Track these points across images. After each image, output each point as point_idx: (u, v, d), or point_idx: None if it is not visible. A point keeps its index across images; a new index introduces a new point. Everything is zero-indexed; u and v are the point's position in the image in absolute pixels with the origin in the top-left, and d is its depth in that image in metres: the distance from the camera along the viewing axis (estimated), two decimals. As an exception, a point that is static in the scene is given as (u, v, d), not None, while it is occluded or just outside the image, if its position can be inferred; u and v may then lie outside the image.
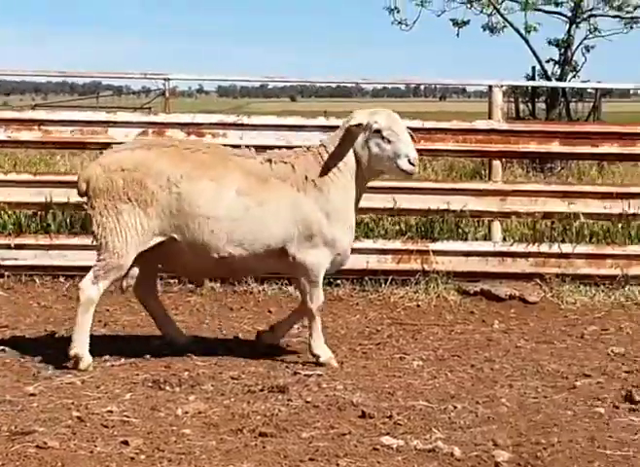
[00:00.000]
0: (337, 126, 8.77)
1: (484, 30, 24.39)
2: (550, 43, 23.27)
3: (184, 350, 6.58)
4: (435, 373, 6.30)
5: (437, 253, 8.69)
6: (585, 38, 23.83)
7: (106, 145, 7.81)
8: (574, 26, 23.11)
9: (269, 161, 6.39)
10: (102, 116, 9.06)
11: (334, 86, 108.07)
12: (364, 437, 5.05)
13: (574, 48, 23.20)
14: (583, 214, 8.88)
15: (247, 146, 6.82)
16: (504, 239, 9.02)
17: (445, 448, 4.89)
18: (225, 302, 8.40)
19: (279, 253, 6.33)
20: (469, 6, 23.46)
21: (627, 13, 23.43)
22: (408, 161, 6.22)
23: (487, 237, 9.04)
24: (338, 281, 8.60)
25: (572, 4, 23.00)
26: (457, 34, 24.71)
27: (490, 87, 9.01)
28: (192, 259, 6.31)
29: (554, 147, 8.96)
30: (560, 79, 22.15)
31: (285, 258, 6.34)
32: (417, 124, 8.83)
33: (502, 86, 9.10)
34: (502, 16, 23.38)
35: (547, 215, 8.93)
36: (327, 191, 6.32)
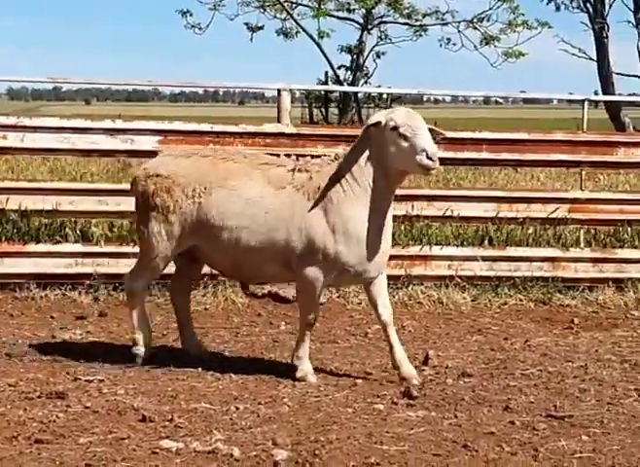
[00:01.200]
0: (125, 130, 8.80)
1: (279, 35, 24.65)
2: (342, 49, 23.74)
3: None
4: (219, 375, 6.31)
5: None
6: (376, 44, 24.45)
7: None
8: (365, 33, 23.64)
9: (294, 169, 6.32)
10: None
11: (130, 89, 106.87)
12: (143, 441, 5.02)
13: (365, 54, 23.73)
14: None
15: (289, 155, 7.17)
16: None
17: (225, 448, 4.91)
18: (5, 308, 8.17)
19: (286, 262, 6.26)
20: (262, 10, 23.62)
21: (417, 21, 24.15)
22: (427, 156, 5.92)
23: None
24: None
25: (364, 11, 23.51)
26: (251, 39, 24.88)
27: (279, 90, 9.08)
28: (214, 264, 6.62)
29: (341, 151, 9.08)
30: (352, 84, 22.60)
31: (290, 267, 6.28)
32: (206, 127, 8.85)
33: (290, 89, 9.17)
34: (295, 21, 23.67)
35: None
36: (337, 201, 6.13)
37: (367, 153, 6.15)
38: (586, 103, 9.55)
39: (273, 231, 6.17)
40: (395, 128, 5.99)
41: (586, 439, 5.27)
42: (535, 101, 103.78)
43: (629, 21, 30.89)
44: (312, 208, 6.13)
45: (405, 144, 5.96)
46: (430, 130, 6.05)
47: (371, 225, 6.12)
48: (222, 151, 6.86)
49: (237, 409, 5.59)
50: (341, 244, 6.08)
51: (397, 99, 24.06)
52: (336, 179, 6.16)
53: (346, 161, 6.21)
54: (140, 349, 6.55)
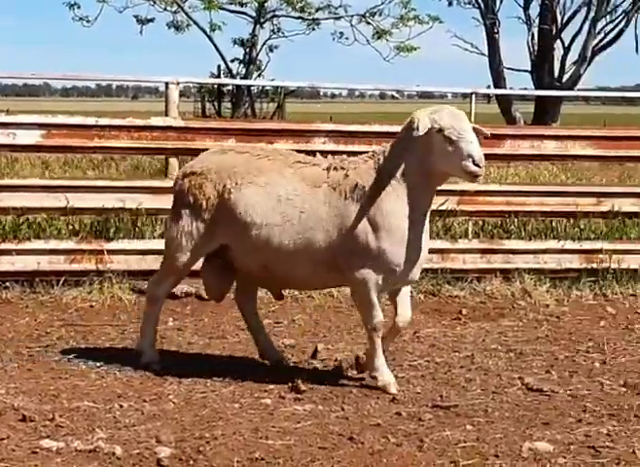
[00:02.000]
0: (7, 124, 8.59)
1: (169, 28, 24.39)
2: (235, 42, 23.63)
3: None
4: (104, 373, 6.21)
5: (112, 252, 8.55)
6: (269, 38, 24.40)
7: None
8: (258, 26, 23.57)
9: (330, 168, 6.05)
10: None
11: (20, 84, 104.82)
12: (23, 441, 4.93)
13: (258, 47, 23.68)
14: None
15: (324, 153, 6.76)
16: (182, 237, 8.99)
17: (107, 447, 4.84)
18: None
19: (328, 266, 5.96)
20: (152, 3, 23.35)
21: (309, 14, 24.17)
22: (473, 161, 5.59)
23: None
24: (7, 284, 8.29)
25: (256, 4, 23.44)
26: (140, 32, 24.59)
27: (167, 83, 8.96)
28: (243, 267, 6.24)
29: (231, 144, 9.02)
30: (245, 78, 22.49)
31: (337, 272, 5.98)
32: (91, 121, 8.70)
33: (178, 83, 9.05)
34: (187, 14, 23.44)
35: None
36: (377, 198, 5.84)
37: (408, 153, 5.82)
38: (473, 96, 9.63)
39: (309, 231, 5.91)
40: (440, 131, 5.66)
41: (471, 428, 5.32)
42: (430, 96, 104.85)
43: (519, 17, 31.43)
44: (351, 207, 5.86)
45: (450, 148, 5.64)
46: (473, 130, 5.76)
47: (412, 223, 5.85)
48: (260, 148, 6.62)
49: (121, 407, 5.51)
50: (385, 241, 5.80)
51: (291, 93, 24.15)
52: (374, 176, 5.89)
53: (386, 159, 5.91)
54: (150, 356, 6.36)
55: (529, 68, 31.39)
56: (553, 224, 9.77)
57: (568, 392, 6.01)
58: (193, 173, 6.24)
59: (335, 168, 6.03)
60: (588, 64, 30.82)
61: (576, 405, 5.79)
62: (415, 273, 6.01)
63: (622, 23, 31.31)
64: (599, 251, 9.21)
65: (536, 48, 31.10)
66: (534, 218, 9.59)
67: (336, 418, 5.45)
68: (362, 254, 5.82)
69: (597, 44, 31.29)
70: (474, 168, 5.60)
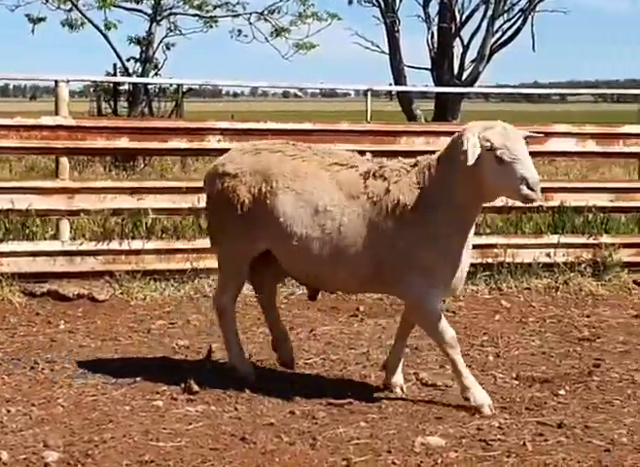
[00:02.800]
0: None
1: (64, 26, 23.92)
2: (131, 40, 23.28)
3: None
4: (-9, 378, 6.05)
5: (1, 255, 8.35)
6: (165, 36, 24.10)
7: None
8: (155, 24, 23.28)
9: (368, 174, 5.68)
10: None
11: None
12: None
13: (155, 45, 23.38)
14: (152, 210, 8.91)
15: (362, 152, 6.40)
16: (73, 238, 8.85)
17: (-7, 453, 4.71)
18: None
19: (373, 279, 5.67)
20: (45, 1, 22.88)
21: (207, 12, 23.97)
22: (527, 185, 5.18)
23: (56, 237, 8.82)
24: None
25: (152, 2, 23.16)
26: (32, 31, 24.07)
27: (56, 81, 8.78)
28: (290, 272, 6.01)
29: (123, 143, 8.90)
30: (142, 76, 22.22)
31: (385, 284, 5.71)
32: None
33: (68, 80, 8.88)
34: (81, 12, 23.02)
35: (116, 212, 8.86)
36: (425, 222, 5.50)
37: (456, 169, 5.40)
38: (369, 93, 9.66)
39: (349, 246, 5.60)
40: (490, 150, 5.26)
41: (364, 425, 5.30)
42: (333, 94, 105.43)
43: (419, 16, 31.65)
44: (394, 225, 5.52)
45: (502, 170, 5.23)
46: (528, 137, 5.43)
47: (457, 241, 5.55)
48: (293, 145, 6.07)
49: (9, 411, 5.38)
50: (433, 261, 5.47)
51: (189, 91, 23.93)
52: (420, 195, 5.52)
53: (431, 176, 5.54)
54: (243, 370, 6.15)
55: (429, 66, 31.65)
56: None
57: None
58: (226, 174, 5.93)
59: (374, 176, 5.65)
60: (487, 62, 31.15)
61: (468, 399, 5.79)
62: (459, 286, 5.77)
63: (520, 22, 31.75)
64: (494, 246, 9.30)
65: (436, 46, 31.35)
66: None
67: (228, 419, 5.40)
68: (412, 269, 5.50)
69: (495, 42, 31.62)
70: (528, 192, 5.18)
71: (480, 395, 5.56)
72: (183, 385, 5.88)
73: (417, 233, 5.49)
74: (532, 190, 5.18)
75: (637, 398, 5.87)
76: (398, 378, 5.98)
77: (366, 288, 6.09)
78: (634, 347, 7.18)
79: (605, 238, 9.69)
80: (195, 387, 5.83)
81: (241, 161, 5.94)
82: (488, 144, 5.25)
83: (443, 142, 9.33)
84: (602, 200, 9.75)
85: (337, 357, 6.73)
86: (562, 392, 5.98)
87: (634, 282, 9.40)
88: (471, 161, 5.24)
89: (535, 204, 5.65)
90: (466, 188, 5.40)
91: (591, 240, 9.60)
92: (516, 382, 6.20)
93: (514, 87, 32.23)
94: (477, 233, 9.32)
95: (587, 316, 8.21)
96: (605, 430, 5.25)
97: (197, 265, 8.78)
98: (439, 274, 5.53)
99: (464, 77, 31.13)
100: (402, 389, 5.94)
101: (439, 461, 4.79)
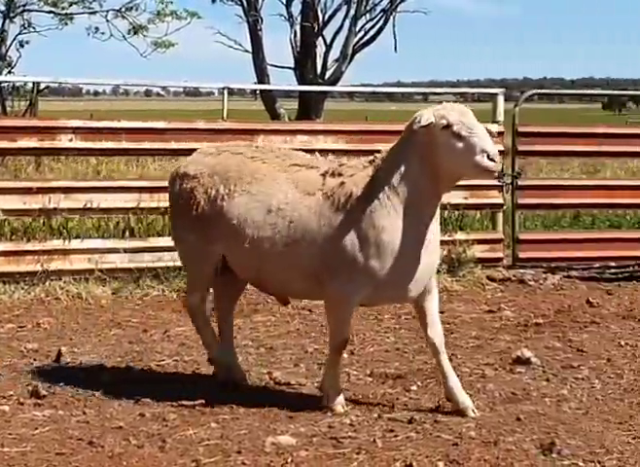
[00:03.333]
0: None
1: None
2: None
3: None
4: None
5: None
6: (19, 33, 23.59)
7: None
8: (8, 21, 22.74)
9: (327, 172, 5.55)
10: None
11: None
12: None
13: (8, 43, 22.85)
14: (2, 211, 8.69)
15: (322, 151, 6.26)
16: None
17: None
18: None
19: (316, 277, 5.47)
20: None
21: (63, 9, 23.54)
22: (488, 156, 5.12)
23: None
24: None
25: (5, -2, 22.68)
26: None
27: None
28: (242, 277, 5.88)
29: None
30: (-5, 75, 21.72)
31: (322, 283, 5.47)
32: None
33: None
34: None
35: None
36: (370, 210, 5.30)
37: (410, 156, 5.30)
38: (225, 92, 9.62)
39: (298, 242, 5.46)
40: (447, 127, 5.17)
41: (215, 425, 5.25)
42: (197, 94, 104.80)
43: (282, 15, 31.69)
44: (341, 218, 5.37)
45: (460, 145, 5.15)
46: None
47: (409, 237, 5.30)
48: (255, 147, 6.02)
49: None
50: (374, 258, 5.28)
51: (45, 90, 23.47)
52: (370, 185, 5.37)
53: (384, 165, 5.40)
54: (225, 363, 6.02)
55: (292, 65, 31.72)
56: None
57: (315, 384, 6.02)
58: (186, 175, 5.84)
59: (332, 174, 5.53)
60: (350, 61, 31.40)
61: (322, 397, 5.79)
62: (413, 289, 5.42)
63: (381, 22, 32.09)
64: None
65: (299, 45, 31.45)
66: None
67: (76, 423, 5.28)
68: (346, 269, 5.32)
69: (358, 42, 31.90)
70: (489, 163, 5.13)
71: (333, 401, 5.53)
72: (30, 389, 5.73)
73: (365, 226, 5.30)
74: (493, 161, 5.12)
75: (487, 392, 5.95)
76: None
77: (307, 290, 5.66)
78: (486, 342, 7.30)
79: (459, 235, 9.84)
80: (43, 391, 5.69)
81: (202, 163, 5.87)
82: (444, 121, 5.16)
83: (300, 140, 9.50)
84: (457, 198, 9.88)
85: (190, 358, 6.66)
86: (414, 388, 6.04)
87: (488, 278, 9.58)
88: (425, 122, 5.15)
89: (494, 177, 5.54)
90: (421, 173, 5.26)
91: (446, 237, 9.72)
92: (370, 379, 6.23)
93: (377, 86, 32.57)
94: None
95: (442, 312, 8.17)
96: (454, 424, 5.30)
97: (48, 266, 8.60)
98: (378, 277, 5.30)
99: (327, 76, 31.32)
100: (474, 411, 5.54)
101: (289, 460, 4.76)
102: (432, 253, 5.43)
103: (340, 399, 5.56)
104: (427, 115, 5.20)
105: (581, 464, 4.77)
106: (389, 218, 5.29)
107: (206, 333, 6.11)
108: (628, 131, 11.08)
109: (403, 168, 5.31)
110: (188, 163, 5.96)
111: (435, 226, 5.41)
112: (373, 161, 5.52)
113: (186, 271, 6.21)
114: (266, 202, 5.56)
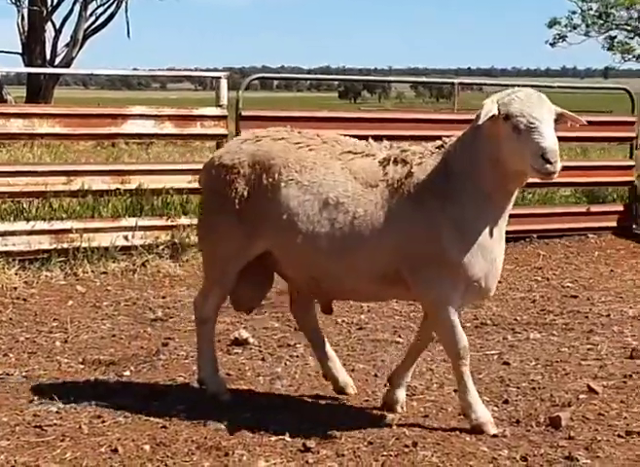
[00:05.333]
0: None
1: None
2: None
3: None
4: None
5: None
6: None
7: None
8: None
9: (388, 160, 4.98)
10: None
11: None
12: None
13: None
14: None
15: (379, 138, 5.29)
16: None
17: None
18: None
19: (391, 280, 4.93)
20: None
21: None
22: (542, 157, 4.49)
23: None
24: None
25: None
26: None
27: None
28: (288, 277, 5.34)
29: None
30: None
31: (404, 285, 4.93)
32: None
33: None
34: None
35: None
36: (451, 203, 4.79)
37: (481, 145, 4.80)
38: None
39: (364, 241, 4.91)
40: (507, 118, 4.64)
41: None
42: None
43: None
44: (416, 211, 4.84)
45: (518, 140, 4.60)
46: (559, 118, 4.74)
47: (489, 229, 4.84)
48: (297, 133, 5.35)
49: None
50: (462, 253, 4.79)
51: None
52: (444, 173, 4.87)
53: (457, 153, 4.89)
54: (214, 386, 5.47)
55: (20, 50, 30.70)
56: (24, 205, 9.51)
57: (24, 373, 5.85)
58: (222, 166, 5.25)
59: (395, 162, 5.00)
60: (81, 47, 30.75)
61: (29, 386, 5.63)
62: (493, 287, 5.02)
63: (114, 7, 31.58)
64: (69, 231, 9.10)
65: (27, 30, 30.48)
66: (2, 199, 9.28)
67: None
68: (435, 267, 4.82)
69: (89, 27, 31.28)
70: (542, 165, 4.51)
71: (482, 414, 5.00)
72: None
73: (442, 222, 4.81)
74: (547, 162, 4.51)
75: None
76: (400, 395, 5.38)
77: (381, 292, 5.17)
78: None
79: (183, 220, 9.78)
80: None
81: (240, 152, 5.28)
82: (505, 111, 4.64)
83: (13, 125, 9.13)
84: (180, 182, 9.82)
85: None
86: (127, 373, 5.98)
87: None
88: (483, 118, 4.67)
89: (552, 179, 4.63)
90: (488, 166, 4.77)
91: (170, 222, 9.65)
92: (82, 366, 6.10)
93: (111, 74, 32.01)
94: (52, 219, 9.20)
95: (163, 297, 8.23)
96: (165, 408, 5.25)
97: None
98: (469, 273, 4.83)
99: (57, 61, 30.54)
100: (402, 407, 5.34)
101: (-14, 452, 4.60)
102: (503, 250, 5.02)
103: (487, 416, 5.01)
104: (489, 106, 4.71)
105: (288, 439, 4.85)
106: (468, 209, 4.81)
107: (206, 351, 5.55)
108: (352, 116, 11.29)
109: (473, 159, 4.82)
110: (223, 153, 5.38)
111: (504, 220, 4.96)
112: (442, 147, 5.02)
113: (205, 276, 5.62)
114: (322, 194, 5.02)
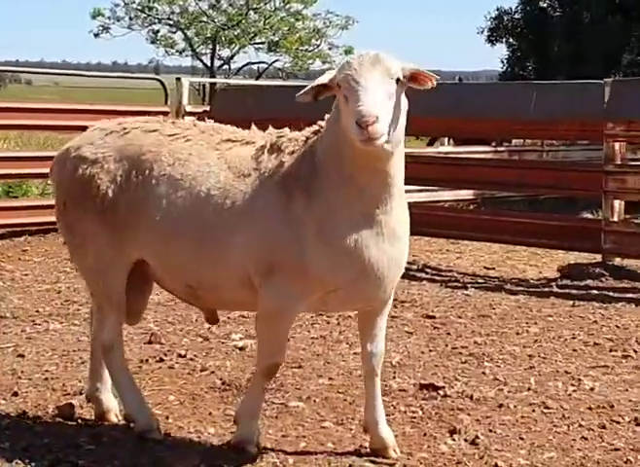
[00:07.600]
0: None
1: None
2: None
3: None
4: None
5: None
6: None
7: None
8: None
9: (264, 147, 4.35)
10: None
11: None
12: None
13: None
14: None
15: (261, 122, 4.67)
16: None
17: None
18: None
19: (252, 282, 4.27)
20: None
21: None
22: (357, 123, 3.78)
23: None
24: None
25: None
26: None
27: None
28: (168, 287, 4.61)
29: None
30: None
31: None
32: None
33: None
34: None
35: None
36: (316, 197, 4.13)
37: (334, 123, 4.12)
38: None
39: (232, 237, 4.25)
40: (339, 86, 3.98)
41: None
42: None
43: None
44: (279, 204, 4.19)
45: (346, 109, 3.94)
46: (412, 77, 4.03)
47: (362, 229, 4.11)
48: (171, 123, 4.65)
49: None
50: (325, 260, 4.11)
51: None
52: (310, 162, 4.20)
53: (321, 139, 4.22)
54: (143, 420, 4.60)
55: None
56: None
57: None
58: (81, 159, 4.51)
59: (270, 150, 4.35)
60: None
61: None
62: (374, 291, 4.24)
63: None
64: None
65: None
66: None
67: None
68: (283, 269, 4.16)
69: None
70: (356, 131, 3.83)
71: (248, 434, 4.44)
72: None
73: (307, 222, 4.15)
74: (360, 127, 3.81)
75: None
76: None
77: (244, 299, 4.40)
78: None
79: None
80: None
81: (105, 144, 4.56)
82: (336, 80, 4.02)
83: None
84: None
85: None
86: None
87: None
88: (297, 97, 4.10)
89: (375, 145, 3.86)
90: (345, 146, 4.05)
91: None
92: None
93: None
94: None
95: None
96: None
97: None
98: (325, 282, 4.17)
99: None
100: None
101: None
102: (395, 245, 4.24)
103: (253, 436, 4.43)
104: (324, 75, 4.13)
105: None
106: (334, 204, 4.14)
107: (123, 380, 4.70)
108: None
109: (334, 138, 4.14)
110: (82, 144, 4.61)
111: (397, 213, 4.20)
112: (318, 131, 4.34)
113: (91, 294, 4.76)
114: (193, 189, 4.38)
